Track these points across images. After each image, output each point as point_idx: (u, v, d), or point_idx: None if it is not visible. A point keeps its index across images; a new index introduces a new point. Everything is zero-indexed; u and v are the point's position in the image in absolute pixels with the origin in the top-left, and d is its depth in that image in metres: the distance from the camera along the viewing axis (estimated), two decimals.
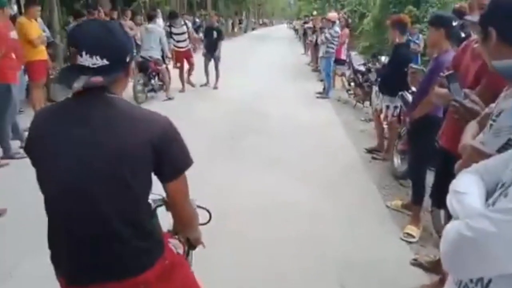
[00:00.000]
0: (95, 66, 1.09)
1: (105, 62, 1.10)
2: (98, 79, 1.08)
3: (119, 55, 1.15)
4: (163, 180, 1.22)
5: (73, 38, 1.14)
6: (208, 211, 1.51)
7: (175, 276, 1.31)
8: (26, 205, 3.14)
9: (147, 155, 1.14)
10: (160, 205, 1.40)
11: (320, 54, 8.65)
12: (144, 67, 7.11)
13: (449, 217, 1.34)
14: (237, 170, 4.28)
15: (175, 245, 1.41)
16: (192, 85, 8.60)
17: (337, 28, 8.26)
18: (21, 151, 4.37)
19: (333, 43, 8.11)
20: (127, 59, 1.18)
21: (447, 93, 1.78)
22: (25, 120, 5.34)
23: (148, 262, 1.22)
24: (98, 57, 1.09)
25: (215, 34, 8.62)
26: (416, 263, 2.73)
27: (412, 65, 3.36)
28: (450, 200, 1.06)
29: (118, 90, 1.20)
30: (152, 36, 7.25)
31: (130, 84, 7.21)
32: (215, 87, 8.73)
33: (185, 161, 1.23)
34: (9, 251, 2.70)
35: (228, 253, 2.72)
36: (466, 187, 1.04)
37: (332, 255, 2.83)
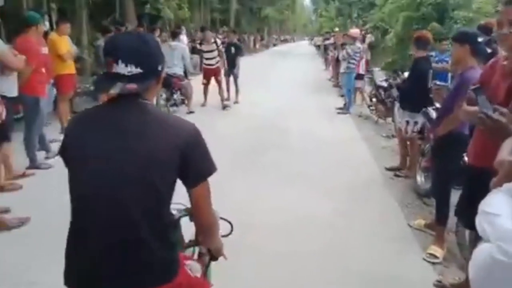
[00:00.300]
0: (130, 74, 1.17)
1: (139, 70, 1.17)
2: (132, 86, 1.16)
3: (152, 64, 1.23)
4: (188, 184, 1.26)
5: (110, 47, 1.21)
6: (230, 223, 1.53)
7: None
8: (49, 215, 3.23)
9: (174, 160, 1.19)
10: (185, 215, 1.43)
11: (341, 70, 8.65)
12: (167, 83, 7.26)
13: (475, 238, 1.27)
14: (258, 184, 4.26)
15: (192, 268, 1.41)
16: (226, 105, 8.51)
17: (358, 44, 8.28)
18: (47, 161, 4.52)
19: (354, 59, 8.10)
20: (159, 68, 1.26)
21: (475, 110, 1.73)
22: (52, 132, 5.56)
23: (169, 274, 1.24)
24: (133, 66, 1.17)
25: (233, 49, 8.73)
26: (439, 285, 2.63)
27: (437, 81, 3.31)
28: (480, 221, 1.01)
29: (150, 96, 1.28)
30: (175, 53, 7.45)
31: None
32: (236, 102, 8.82)
33: (209, 168, 1.28)
34: (33, 259, 2.76)
35: (249, 267, 2.69)
36: (498, 207, 0.99)
37: (355, 269, 2.78)
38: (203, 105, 8.35)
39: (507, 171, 1.17)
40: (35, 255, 2.80)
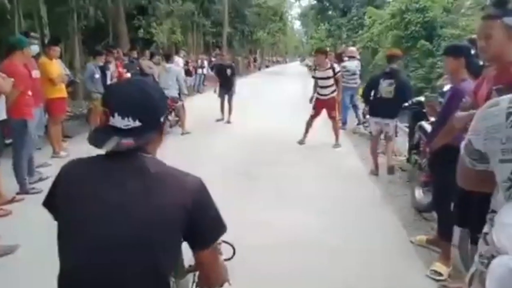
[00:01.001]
0: (127, 127, 1.07)
1: (137, 123, 1.07)
2: (129, 142, 1.05)
3: (152, 116, 1.11)
4: (195, 248, 1.15)
5: (106, 98, 1.12)
6: (232, 246, 1.44)
7: None
8: (39, 243, 3.10)
9: (179, 220, 1.06)
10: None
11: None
12: None
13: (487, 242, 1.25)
14: (252, 204, 4.17)
15: None
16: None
17: (356, 62, 8.40)
18: (35, 186, 4.39)
19: (355, 74, 8.23)
20: (161, 120, 1.15)
21: (469, 113, 1.75)
22: (43, 156, 5.46)
23: None
24: (130, 119, 1.06)
25: (228, 71, 8.79)
26: None
27: (428, 94, 3.32)
28: (497, 233, 0.97)
29: (153, 149, 1.16)
30: (169, 75, 7.52)
31: None
32: (228, 122, 8.81)
33: (219, 230, 1.16)
34: None
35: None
36: None
37: None
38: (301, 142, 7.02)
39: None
40: (22, 284, 2.66)
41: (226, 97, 8.84)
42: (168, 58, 8.08)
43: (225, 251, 1.45)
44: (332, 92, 6.72)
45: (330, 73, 6.68)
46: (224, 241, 1.40)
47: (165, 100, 1.20)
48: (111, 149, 1.06)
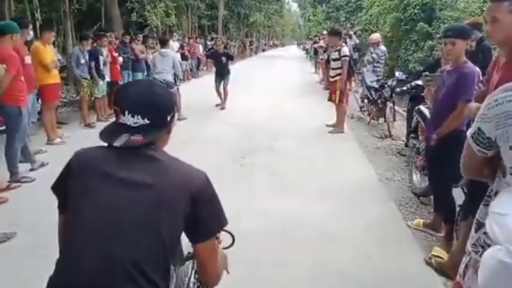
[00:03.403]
0: (136, 125, 1.14)
1: (146, 121, 1.14)
2: (138, 138, 1.13)
3: (160, 115, 1.19)
4: (195, 239, 1.19)
5: (117, 98, 1.19)
6: (232, 234, 1.45)
7: None
8: (35, 229, 3.10)
9: (184, 205, 1.12)
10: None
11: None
12: None
13: (476, 230, 1.25)
14: (248, 190, 4.16)
15: None
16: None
17: (383, 47, 8.32)
18: (30, 175, 4.35)
19: (380, 62, 8.12)
20: (168, 118, 1.21)
21: None
22: (37, 143, 5.41)
23: None
24: (139, 117, 1.14)
25: (224, 59, 8.74)
26: (429, 262, 2.72)
27: (428, 73, 3.26)
28: (490, 223, 0.96)
29: (160, 145, 1.23)
30: (166, 60, 7.37)
31: None
32: (223, 108, 8.75)
33: (221, 221, 1.21)
34: (17, 276, 2.61)
35: (239, 276, 2.58)
36: (508, 208, 0.94)
37: (353, 273, 2.68)
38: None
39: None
40: (20, 271, 2.65)
41: (222, 83, 8.78)
42: (164, 43, 7.91)
43: (224, 239, 1.44)
44: (337, 75, 6.61)
45: (337, 55, 6.58)
46: (224, 230, 1.39)
47: (172, 99, 1.26)
48: (122, 145, 1.12)
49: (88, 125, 6.76)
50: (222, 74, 8.75)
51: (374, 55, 8.08)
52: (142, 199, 1.09)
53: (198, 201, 1.13)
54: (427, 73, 3.30)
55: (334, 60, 6.65)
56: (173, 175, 1.14)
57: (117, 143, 1.12)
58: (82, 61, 6.61)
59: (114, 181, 1.11)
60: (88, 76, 6.79)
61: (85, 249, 1.08)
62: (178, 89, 7.75)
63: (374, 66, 8.08)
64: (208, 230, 1.18)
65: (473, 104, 2.15)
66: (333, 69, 6.71)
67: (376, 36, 8.88)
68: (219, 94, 8.89)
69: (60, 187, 1.20)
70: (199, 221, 1.14)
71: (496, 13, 1.83)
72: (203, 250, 1.19)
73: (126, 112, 1.14)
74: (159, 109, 1.18)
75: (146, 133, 1.14)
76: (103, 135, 1.17)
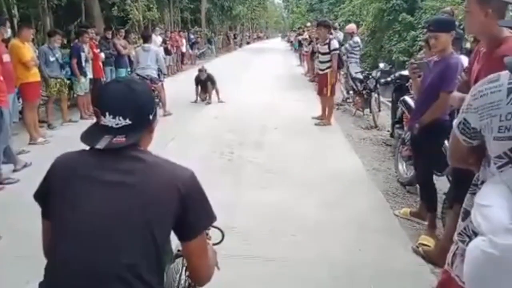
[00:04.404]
0: (118, 126, 1.13)
1: (128, 122, 1.13)
2: (120, 140, 1.12)
3: (142, 114, 1.17)
4: (184, 237, 1.18)
5: (98, 99, 1.17)
6: (221, 231, 1.46)
7: None
8: (20, 232, 3.03)
9: (173, 202, 1.11)
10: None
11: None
12: None
13: (463, 219, 1.28)
14: (237, 183, 4.16)
15: None
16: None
17: (356, 39, 8.42)
18: (13, 176, 4.25)
19: (353, 53, 8.19)
20: (150, 118, 1.20)
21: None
22: (18, 143, 5.29)
23: None
24: (121, 118, 1.12)
25: (209, 84, 8.64)
26: (416, 250, 2.77)
27: (413, 60, 3.30)
28: (475, 214, 0.98)
29: (144, 144, 1.23)
30: (149, 55, 7.27)
31: None
32: (209, 102, 8.69)
33: (209, 217, 1.21)
34: (2, 282, 2.55)
35: (231, 273, 2.58)
36: (492, 199, 0.95)
37: (342, 262, 2.73)
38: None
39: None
40: (5, 275, 2.60)
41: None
42: (146, 39, 7.80)
43: (213, 235, 1.44)
44: (327, 68, 6.60)
45: (326, 48, 6.57)
46: (213, 226, 1.38)
47: (153, 98, 1.26)
48: (104, 147, 1.10)
49: (51, 125, 6.50)
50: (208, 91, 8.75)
51: (347, 46, 8.17)
52: (129, 201, 1.08)
53: (186, 199, 1.12)
54: (413, 60, 3.34)
55: (323, 54, 6.63)
56: (159, 175, 1.12)
57: (99, 146, 1.10)
58: (52, 59, 6.26)
59: (99, 185, 1.10)
60: (59, 75, 6.51)
61: (72, 259, 1.06)
62: (162, 85, 7.66)
63: (347, 57, 8.13)
64: (197, 227, 1.17)
65: (456, 94, 2.18)
66: (322, 62, 6.70)
67: (350, 26, 8.99)
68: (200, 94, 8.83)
69: (43, 195, 1.18)
70: (188, 218, 1.13)
71: (468, 4, 1.85)
72: (193, 248, 1.18)
73: (107, 114, 1.12)
74: (141, 109, 1.16)
75: (128, 134, 1.13)
76: (85, 138, 1.15)
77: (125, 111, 1.12)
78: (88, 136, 1.15)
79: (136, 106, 1.15)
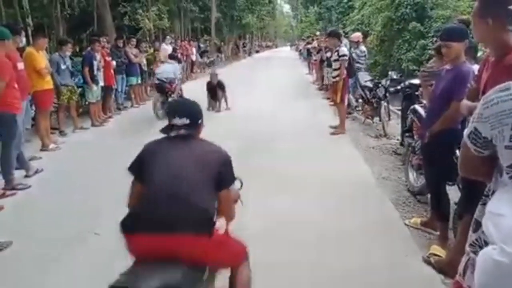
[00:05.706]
0: (182, 124, 1.88)
1: (188, 121, 1.89)
2: (183, 132, 1.89)
3: (196, 118, 1.96)
4: (217, 188, 1.86)
5: (172, 108, 2.07)
6: (240, 180, 2.17)
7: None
8: (32, 238, 3.06)
9: (216, 168, 1.85)
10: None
11: None
12: (161, 88, 7.91)
13: (474, 230, 1.26)
14: (246, 190, 4.13)
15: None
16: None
17: (363, 48, 8.42)
18: (25, 181, 4.30)
19: (359, 62, 8.17)
20: (199, 121, 1.98)
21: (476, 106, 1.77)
22: (31, 150, 5.36)
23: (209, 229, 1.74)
24: (183, 118, 1.89)
25: (219, 90, 8.81)
26: (427, 260, 2.73)
27: (425, 69, 3.28)
28: (486, 223, 0.97)
29: (197, 135, 1.99)
30: (172, 67, 8.24)
31: (151, 103, 8.16)
32: (218, 110, 8.77)
33: (233, 176, 1.97)
34: (15, 286, 2.57)
35: None
36: (504, 208, 0.94)
37: (352, 272, 2.69)
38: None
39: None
40: (13, 282, 2.63)
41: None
42: (172, 57, 8.97)
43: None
44: (336, 76, 6.63)
45: (336, 56, 6.64)
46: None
47: (201, 110, 2.03)
48: (175, 135, 1.89)
49: (62, 132, 6.59)
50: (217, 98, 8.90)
51: (353, 55, 8.14)
52: (191, 161, 1.82)
53: (223, 166, 1.87)
54: (424, 68, 3.32)
55: (334, 61, 6.70)
56: (208, 148, 1.92)
57: (172, 134, 1.90)
58: (63, 67, 6.38)
59: (173, 153, 1.85)
60: (70, 83, 6.63)
61: (159, 192, 1.76)
62: (179, 83, 8.51)
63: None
64: (225, 182, 1.89)
65: (465, 102, 2.17)
66: (334, 69, 6.75)
67: (356, 35, 8.96)
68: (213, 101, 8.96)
69: (138, 166, 1.89)
70: (221, 176, 1.85)
71: (472, 15, 1.86)
72: (222, 196, 1.89)
73: (177, 116, 1.88)
74: (195, 114, 1.96)
75: (188, 129, 1.89)
76: (164, 131, 1.92)
77: (187, 115, 1.89)
78: (165, 130, 1.92)
79: (192, 112, 1.95)
